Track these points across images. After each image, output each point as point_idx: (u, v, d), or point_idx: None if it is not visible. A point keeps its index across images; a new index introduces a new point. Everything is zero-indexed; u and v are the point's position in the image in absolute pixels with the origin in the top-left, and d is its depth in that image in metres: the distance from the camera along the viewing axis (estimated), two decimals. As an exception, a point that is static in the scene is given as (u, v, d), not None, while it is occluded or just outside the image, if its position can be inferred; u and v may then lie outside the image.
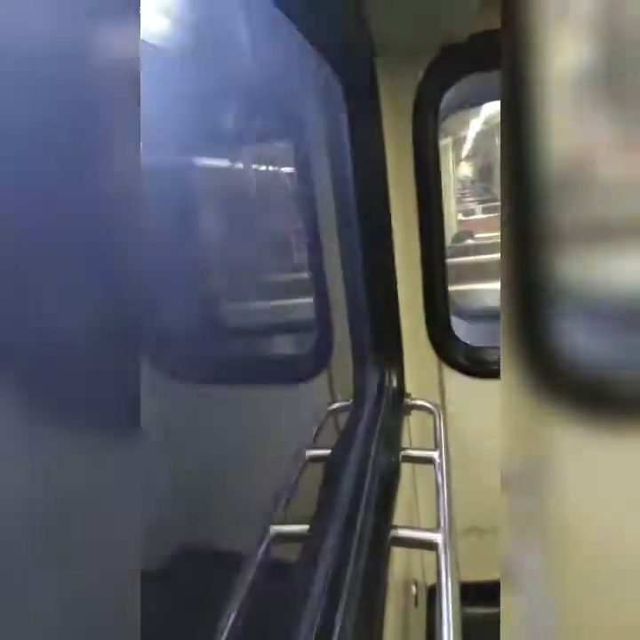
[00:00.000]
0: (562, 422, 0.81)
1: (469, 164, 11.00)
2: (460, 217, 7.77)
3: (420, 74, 1.46)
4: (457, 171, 8.31)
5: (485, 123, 6.69)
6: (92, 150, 0.31)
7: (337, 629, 0.65)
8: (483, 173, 10.74)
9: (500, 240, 0.67)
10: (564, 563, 0.81)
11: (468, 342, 1.72)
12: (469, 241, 5.72)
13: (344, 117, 1.29)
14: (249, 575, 0.80)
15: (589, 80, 0.65)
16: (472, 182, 11.37)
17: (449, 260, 1.72)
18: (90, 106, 0.30)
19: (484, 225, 6.75)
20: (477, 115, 6.08)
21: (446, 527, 0.89)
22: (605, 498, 0.96)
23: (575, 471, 0.82)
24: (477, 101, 2.88)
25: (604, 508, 0.99)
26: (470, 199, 10.97)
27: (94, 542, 0.30)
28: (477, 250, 4.74)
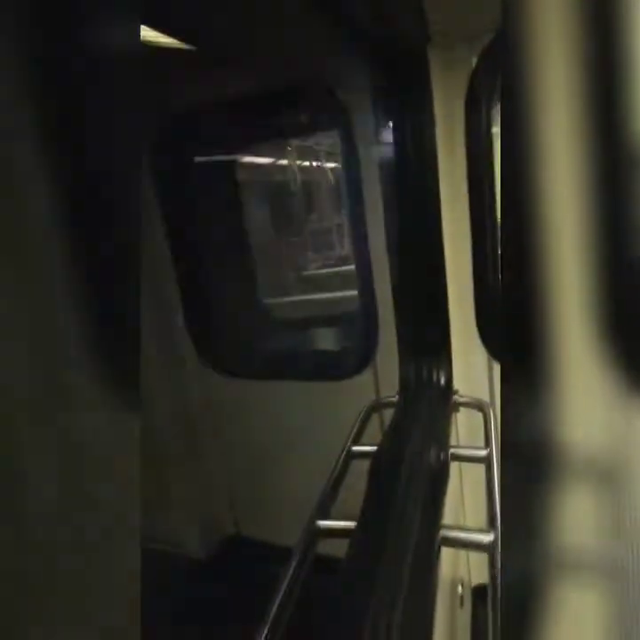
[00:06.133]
0: None
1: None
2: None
3: (474, 60, 1.40)
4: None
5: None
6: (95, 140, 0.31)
7: (386, 629, 0.64)
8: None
9: (501, 233, 0.62)
10: None
11: None
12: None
13: (395, 106, 1.26)
14: (296, 569, 0.80)
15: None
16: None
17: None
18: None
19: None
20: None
21: (498, 528, 0.86)
22: None
23: None
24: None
25: None
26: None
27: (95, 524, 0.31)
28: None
